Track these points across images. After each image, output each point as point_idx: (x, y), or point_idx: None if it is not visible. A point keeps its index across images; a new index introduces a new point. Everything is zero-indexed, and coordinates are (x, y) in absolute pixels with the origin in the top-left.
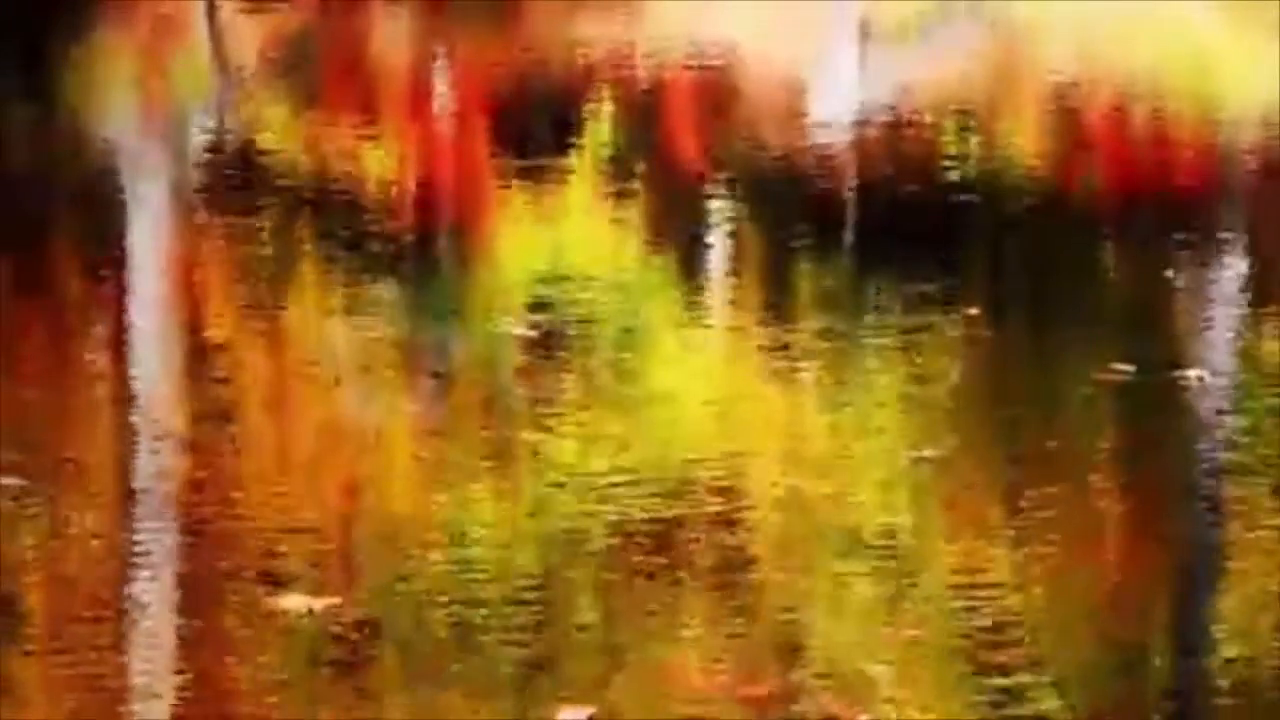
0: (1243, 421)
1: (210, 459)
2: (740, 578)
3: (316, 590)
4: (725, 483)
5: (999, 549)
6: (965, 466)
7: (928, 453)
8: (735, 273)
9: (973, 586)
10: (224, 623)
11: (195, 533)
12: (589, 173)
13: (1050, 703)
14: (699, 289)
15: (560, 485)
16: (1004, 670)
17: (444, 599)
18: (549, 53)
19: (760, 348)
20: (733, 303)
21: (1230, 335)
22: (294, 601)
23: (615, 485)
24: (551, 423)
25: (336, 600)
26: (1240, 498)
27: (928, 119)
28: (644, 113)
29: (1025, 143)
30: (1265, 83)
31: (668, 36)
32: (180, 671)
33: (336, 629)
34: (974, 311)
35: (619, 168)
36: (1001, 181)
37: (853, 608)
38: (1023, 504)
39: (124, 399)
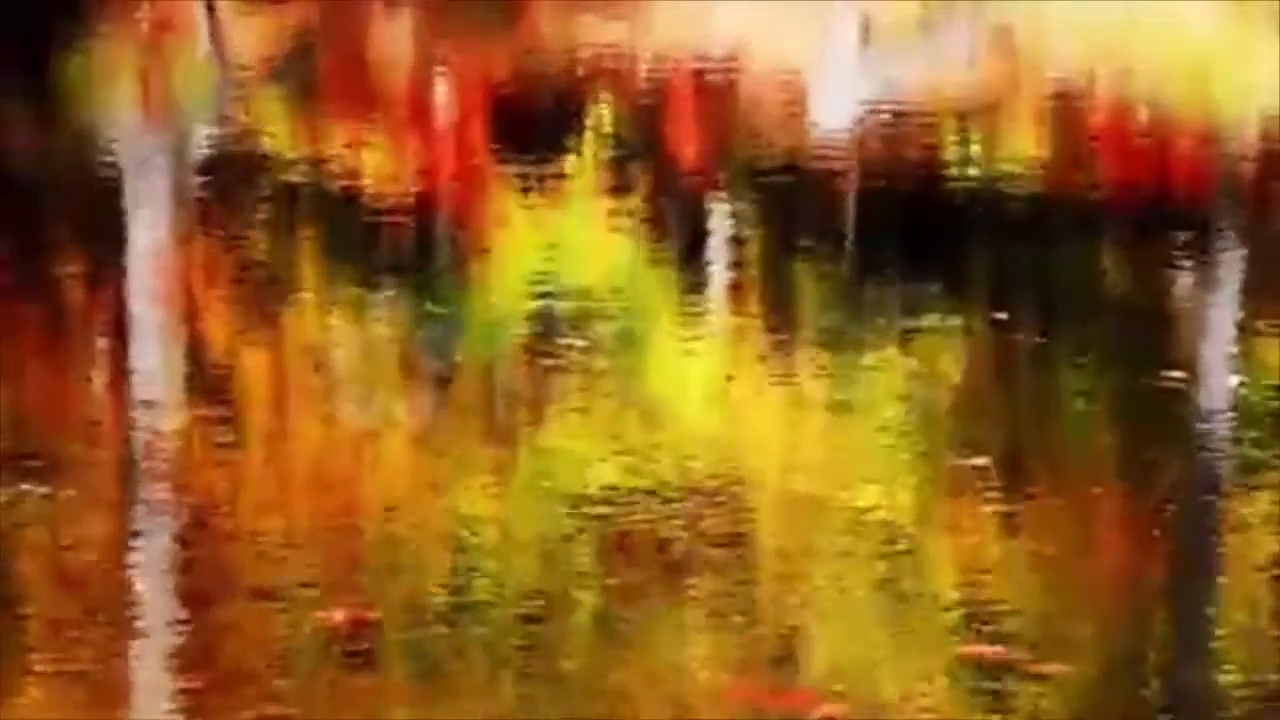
0: (1244, 422)
1: (211, 459)
2: (742, 578)
3: (315, 590)
4: (726, 483)
5: (1000, 547)
6: (967, 467)
7: (929, 453)
8: (735, 273)
9: (975, 587)
10: (225, 623)
11: (196, 532)
12: (590, 173)
13: (1052, 702)
14: (699, 289)
15: (560, 485)
16: (1005, 670)
17: (444, 599)
18: (550, 53)
19: (760, 347)
20: (733, 302)
21: (1230, 336)
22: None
23: (616, 485)
24: (551, 423)
25: (374, 614)
26: (1242, 498)
27: (928, 119)
28: (645, 113)
29: (1025, 142)
30: (1265, 83)
31: (668, 37)
32: (181, 673)
33: (337, 631)
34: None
35: (619, 168)
36: (1001, 181)
37: (855, 608)
38: (1024, 504)
39: (124, 398)
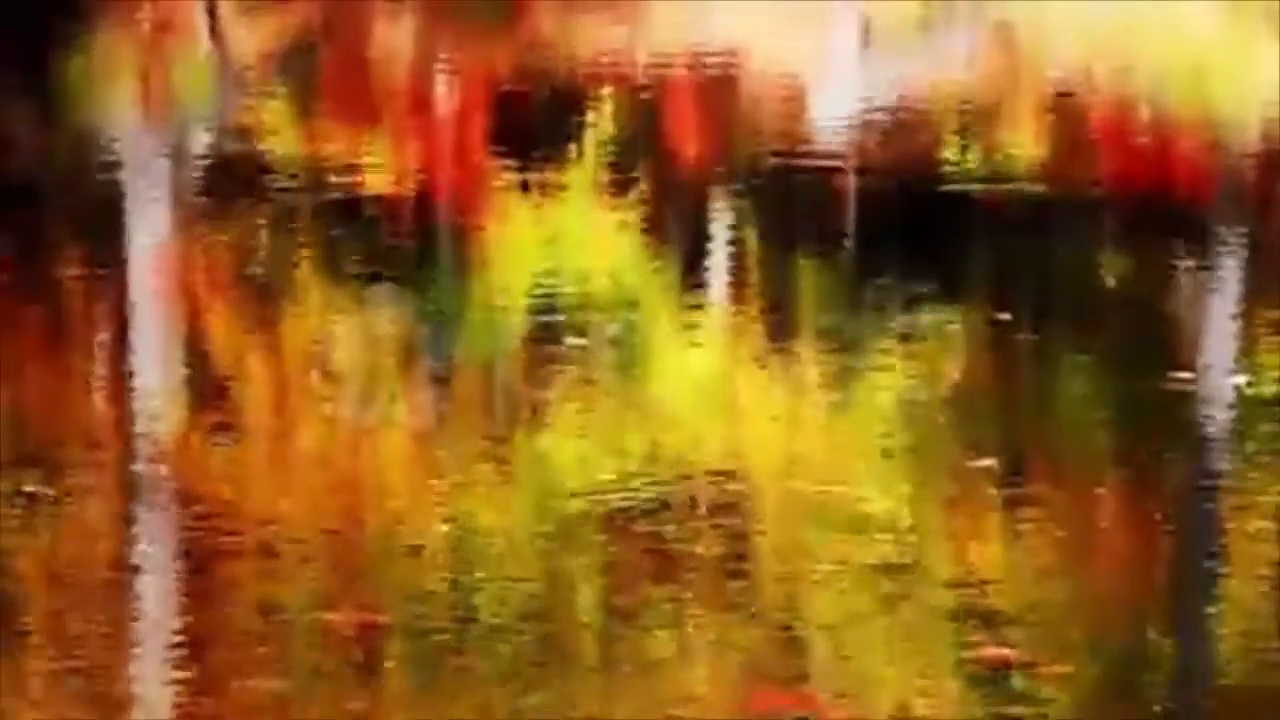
0: (1244, 423)
1: (211, 459)
2: (741, 577)
3: (316, 590)
4: (725, 481)
5: (1000, 548)
6: (966, 466)
7: (929, 453)
8: (735, 272)
9: (973, 585)
10: (225, 623)
11: (196, 532)
12: (590, 173)
13: (1055, 703)
14: (699, 289)
15: (560, 485)
16: (1004, 669)
17: (444, 599)
18: (550, 53)
19: (760, 346)
20: (733, 301)
21: (1230, 336)
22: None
23: (615, 485)
24: (551, 422)
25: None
26: (1242, 499)
27: (928, 118)
28: (645, 113)
29: (1025, 142)
30: (1265, 83)
31: (669, 37)
32: (181, 672)
33: (344, 634)
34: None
35: (619, 168)
36: (1001, 181)
37: (853, 606)
38: (1023, 502)
39: (124, 399)
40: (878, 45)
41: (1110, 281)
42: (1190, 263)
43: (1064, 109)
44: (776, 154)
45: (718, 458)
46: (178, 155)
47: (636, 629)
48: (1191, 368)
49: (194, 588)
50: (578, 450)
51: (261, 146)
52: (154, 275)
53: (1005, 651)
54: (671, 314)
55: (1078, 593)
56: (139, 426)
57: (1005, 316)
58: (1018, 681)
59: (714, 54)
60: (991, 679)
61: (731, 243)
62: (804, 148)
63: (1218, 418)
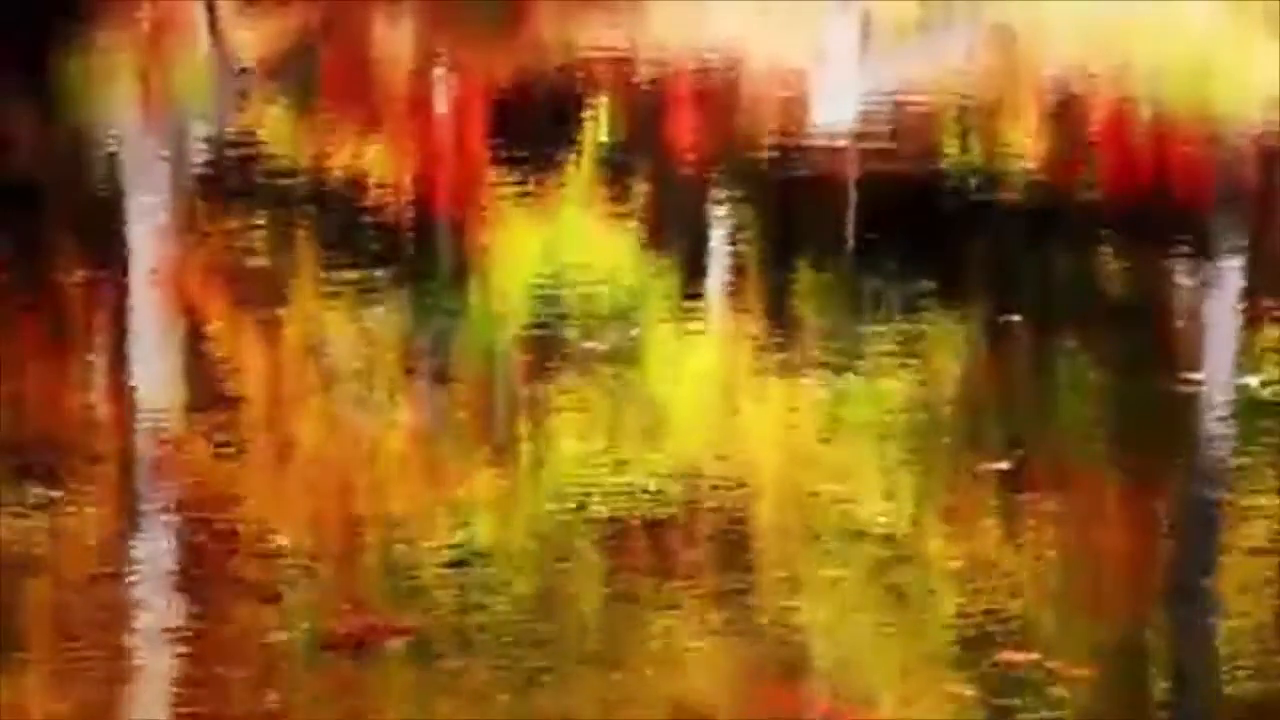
0: (1248, 421)
1: (210, 459)
2: (741, 576)
3: (314, 589)
4: (725, 481)
5: (1000, 548)
6: (966, 466)
7: (928, 452)
8: (735, 272)
9: (973, 584)
10: (224, 622)
11: (195, 532)
12: (589, 173)
13: (1057, 701)
14: (699, 288)
15: (559, 484)
16: (1005, 667)
17: (444, 601)
18: (549, 53)
19: (760, 347)
20: (733, 302)
21: (1231, 336)
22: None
23: (615, 484)
24: (551, 423)
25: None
26: (1245, 499)
27: (927, 119)
28: (644, 113)
29: (1025, 143)
30: (1265, 82)
31: (668, 37)
32: (180, 672)
33: (338, 632)
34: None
35: (619, 168)
36: (1001, 181)
37: (853, 606)
38: (1023, 502)
39: (124, 398)
40: (877, 45)
41: (1109, 281)
42: (1190, 262)
43: (1063, 109)
44: (776, 154)
45: (717, 458)
46: (177, 155)
47: (638, 631)
48: (1193, 368)
49: (194, 589)
50: (576, 450)
51: (261, 146)
52: (154, 275)
53: (1010, 653)
54: (671, 313)
55: (1082, 594)
56: (139, 426)
57: (1004, 316)
58: (1024, 682)
59: (713, 54)
60: (995, 679)
61: (731, 243)
62: (804, 148)
63: (1220, 418)
